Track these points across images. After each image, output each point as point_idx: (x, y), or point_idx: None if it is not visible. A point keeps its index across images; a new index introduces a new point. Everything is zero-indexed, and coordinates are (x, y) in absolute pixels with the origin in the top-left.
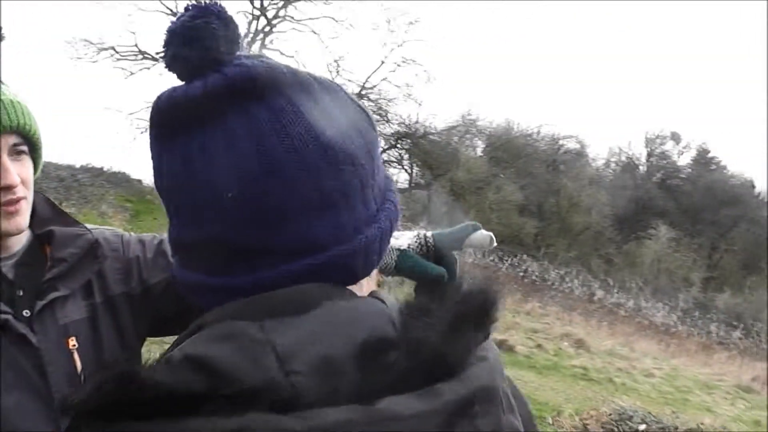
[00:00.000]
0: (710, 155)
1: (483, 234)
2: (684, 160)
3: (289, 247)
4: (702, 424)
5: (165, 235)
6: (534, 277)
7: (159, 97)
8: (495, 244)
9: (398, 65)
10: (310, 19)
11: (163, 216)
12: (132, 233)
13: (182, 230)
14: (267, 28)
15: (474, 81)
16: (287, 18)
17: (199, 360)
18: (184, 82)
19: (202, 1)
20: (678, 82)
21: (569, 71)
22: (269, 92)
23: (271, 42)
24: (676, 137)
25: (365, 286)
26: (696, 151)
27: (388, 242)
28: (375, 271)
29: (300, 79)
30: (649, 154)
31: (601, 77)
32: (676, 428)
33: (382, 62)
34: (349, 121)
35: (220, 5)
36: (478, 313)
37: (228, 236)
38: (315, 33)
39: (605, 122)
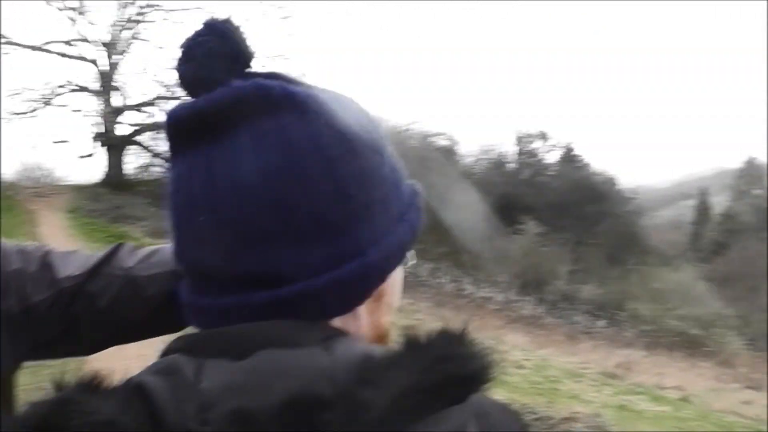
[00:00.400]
0: (575, 153)
1: None
2: (551, 158)
3: (254, 276)
4: (576, 413)
5: (51, 246)
6: (405, 273)
7: (166, 113)
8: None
9: (270, 59)
10: (181, 9)
11: (19, 215)
12: (11, 242)
13: (173, 246)
14: (138, 17)
15: (345, 76)
16: (157, 7)
17: (144, 390)
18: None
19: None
20: (545, 83)
21: (441, 69)
22: (254, 113)
23: (141, 31)
24: (544, 136)
25: (364, 318)
26: (562, 150)
27: (382, 279)
28: (386, 300)
29: (292, 100)
30: (519, 152)
31: (475, 78)
32: (551, 418)
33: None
34: (347, 143)
35: (228, 23)
36: (449, 379)
37: (197, 258)
38: (185, 23)
39: (476, 121)
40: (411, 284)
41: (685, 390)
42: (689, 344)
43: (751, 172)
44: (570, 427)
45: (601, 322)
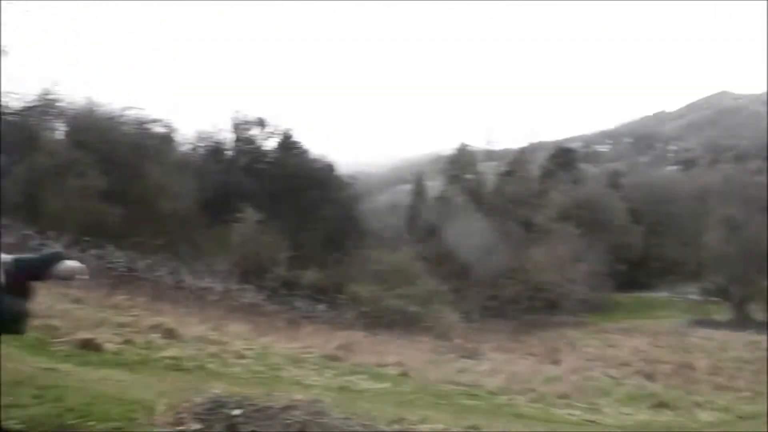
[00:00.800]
0: (293, 140)
1: (71, 265)
2: (270, 145)
3: None
4: (296, 400)
5: None
6: (121, 268)
7: None
8: (87, 276)
9: None
10: None
11: None
12: None
13: None
14: None
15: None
16: None
17: None
18: None
19: None
20: (264, 68)
21: (158, 55)
22: None
23: None
24: (261, 123)
25: None
26: (280, 137)
27: None
28: None
29: None
30: (237, 139)
31: (195, 63)
32: (270, 408)
33: None
34: None
35: None
36: None
37: None
38: None
39: (193, 107)
40: (127, 279)
41: (404, 365)
42: (408, 321)
43: (463, 158)
44: (289, 415)
45: (322, 306)
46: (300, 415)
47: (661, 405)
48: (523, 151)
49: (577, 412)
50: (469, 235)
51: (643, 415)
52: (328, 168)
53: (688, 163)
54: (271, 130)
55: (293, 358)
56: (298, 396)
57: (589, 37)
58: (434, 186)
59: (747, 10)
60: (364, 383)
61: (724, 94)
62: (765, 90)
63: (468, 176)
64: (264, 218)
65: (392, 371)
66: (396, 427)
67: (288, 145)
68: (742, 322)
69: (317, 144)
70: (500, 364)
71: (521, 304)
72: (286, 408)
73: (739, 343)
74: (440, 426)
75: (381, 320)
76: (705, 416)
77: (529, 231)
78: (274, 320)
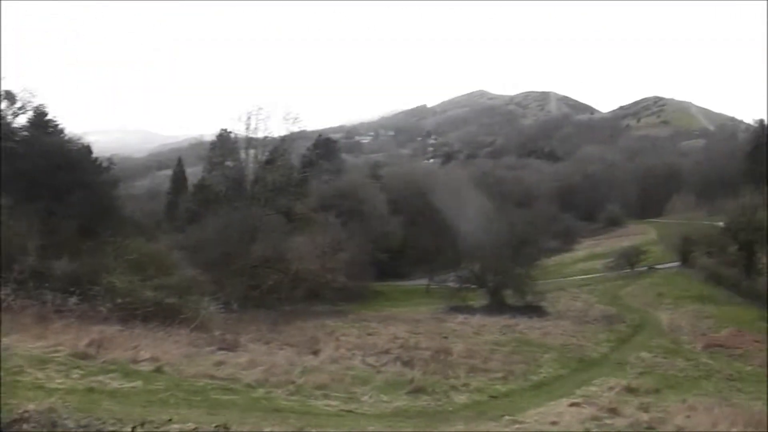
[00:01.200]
0: (47, 118)
1: None
2: (19, 121)
3: None
4: (26, 411)
5: None
6: None
7: None
8: None
9: None
10: None
11: None
12: None
13: None
14: None
15: None
16: None
17: None
18: None
19: None
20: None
21: None
22: None
23: None
24: (10, 97)
25: None
26: (32, 114)
27: None
28: None
29: None
30: None
31: None
32: None
33: None
34: None
35: None
36: None
37: None
38: None
39: None
40: None
41: (159, 360)
42: (165, 313)
43: (224, 145)
44: (19, 430)
45: (75, 299)
46: (31, 429)
47: (419, 390)
48: (284, 140)
49: (336, 403)
50: (230, 223)
51: (401, 401)
52: (85, 150)
53: (446, 157)
54: (21, 105)
55: (38, 359)
56: (31, 406)
57: (356, 34)
58: (195, 172)
59: (499, 12)
60: (114, 383)
61: (481, 93)
62: (518, 92)
63: (229, 163)
64: (11, 203)
65: (146, 367)
66: (140, 430)
67: (40, 123)
68: (497, 307)
69: (74, 124)
70: (259, 355)
71: (282, 294)
72: (16, 422)
73: (493, 327)
74: (190, 425)
75: (137, 313)
76: (460, 398)
77: (289, 220)
78: (20, 317)
